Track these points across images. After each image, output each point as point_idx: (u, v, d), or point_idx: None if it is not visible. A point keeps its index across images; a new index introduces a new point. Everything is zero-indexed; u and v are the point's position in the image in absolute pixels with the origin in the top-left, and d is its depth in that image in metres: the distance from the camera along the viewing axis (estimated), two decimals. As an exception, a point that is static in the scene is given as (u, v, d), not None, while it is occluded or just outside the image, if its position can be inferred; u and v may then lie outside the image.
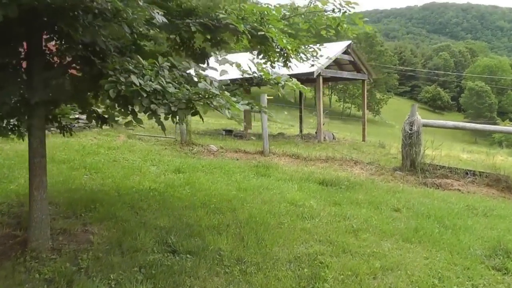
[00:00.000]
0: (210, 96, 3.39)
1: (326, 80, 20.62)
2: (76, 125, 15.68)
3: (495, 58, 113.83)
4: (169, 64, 3.79)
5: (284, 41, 4.71)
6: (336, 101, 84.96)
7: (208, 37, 5.01)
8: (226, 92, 3.41)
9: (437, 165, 9.46)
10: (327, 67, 19.05)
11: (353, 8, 5.54)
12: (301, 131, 21.44)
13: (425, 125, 9.36)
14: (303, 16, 5.99)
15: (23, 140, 5.03)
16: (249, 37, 4.59)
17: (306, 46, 5.54)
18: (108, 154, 10.58)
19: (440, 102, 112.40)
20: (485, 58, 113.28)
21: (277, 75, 4.20)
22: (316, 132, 18.10)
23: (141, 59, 3.58)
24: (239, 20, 4.52)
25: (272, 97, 11.31)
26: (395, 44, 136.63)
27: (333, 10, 5.61)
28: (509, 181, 8.73)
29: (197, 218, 5.68)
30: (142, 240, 4.71)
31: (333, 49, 17.28)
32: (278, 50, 4.92)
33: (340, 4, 5.50)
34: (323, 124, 17.89)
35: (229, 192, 7.28)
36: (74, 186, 7.14)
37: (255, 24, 4.68)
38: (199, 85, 3.37)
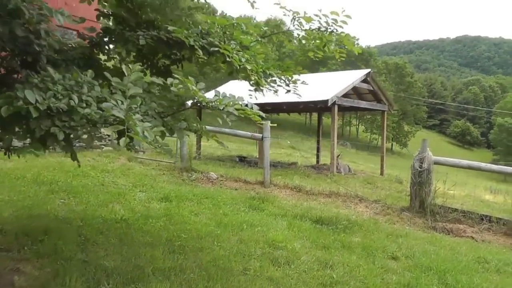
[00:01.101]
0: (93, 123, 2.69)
1: (343, 109, 19.86)
2: (77, 144, 15.33)
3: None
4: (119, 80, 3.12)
5: (243, 60, 3.99)
6: (363, 131, 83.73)
7: (168, 52, 4.39)
8: (135, 115, 2.68)
9: (449, 208, 8.51)
10: (345, 96, 18.30)
11: (341, 27, 4.83)
12: (317, 161, 20.59)
13: (436, 163, 8.47)
14: (287, 35, 5.28)
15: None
16: (200, 53, 3.90)
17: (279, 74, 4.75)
18: (98, 177, 10.08)
19: (470, 138, 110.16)
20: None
21: (230, 99, 3.45)
22: (337, 163, 17.24)
23: (52, 71, 2.92)
24: (190, 34, 3.86)
25: (276, 125, 10.61)
26: (425, 76, 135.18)
27: (318, 29, 4.90)
28: (531, 232, 7.74)
29: (151, 259, 4.94)
30: (71, 285, 3.99)
31: (351, 77, 16.58)
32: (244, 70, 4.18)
33: (327, 22, 4.81)
34: (338, 155, 17.02)
35: (205, 228, 6.56)
36: (40, 212, 6.55)
37: (212, 39, 4.01)
38: (103, 105, 2.67)
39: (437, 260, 5.96)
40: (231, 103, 3.34)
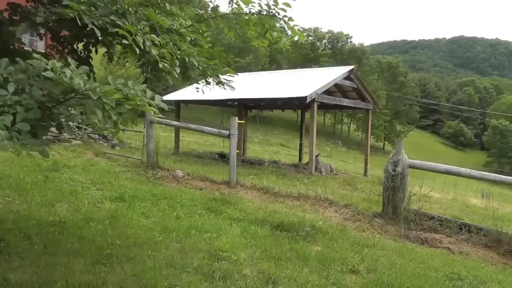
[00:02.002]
0: None
1: (326, 106, 19.20)
2: (44, 137, 14.58)
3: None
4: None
5: (147, 43, 3.26)
6: (354, 130, 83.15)
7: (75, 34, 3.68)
8: None
9: (426, 215, 7.83)
10: (328, 93, 17.64)
11: (284, 11, 4.11)
12: (299, 160, 19.90)
13: (411, 167, 7.76)
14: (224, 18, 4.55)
15: None
16: (98, 34, 3.17)
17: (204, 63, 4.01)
18: (55, 173, 9.37)
19: (463, 139, 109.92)
20: (511, 96, 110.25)
21: (111, 87, 2.72)
22: (317, 163, 16.59)
23: None
24: (85, 11, 3.14)
25: (243, 122, 9.95)
26: (419, 75, 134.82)
27: (259, 13, 4.18)
28: (514, 244, 7.04)
29: (68, 271, 4.25)
30: None
31: (332, 74, 15.90)
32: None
33: (268, 5, 4.09)
34: (318, 155, 16.35)
35: (148, 233, 5.88)
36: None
37: (114, 18, 3.28)
38: None
39: (403, 275, 5.28)
40: (118, 92, 2.61)
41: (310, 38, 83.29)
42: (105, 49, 4.24)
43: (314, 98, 14.00)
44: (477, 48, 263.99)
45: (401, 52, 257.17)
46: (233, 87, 4.50)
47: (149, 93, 3.00)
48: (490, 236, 7.28)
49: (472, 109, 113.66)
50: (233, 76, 4.41)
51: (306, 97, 13.58)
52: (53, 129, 14.37)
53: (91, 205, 7.26)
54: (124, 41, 3.24)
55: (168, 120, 11.52)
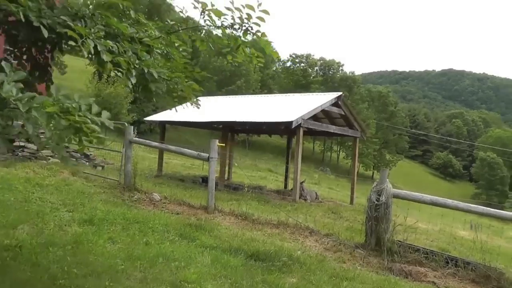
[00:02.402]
0: None
1: (314, 133, 18.91)
2: (20, 153, 14.09)
3: (508, 130, 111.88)
4: None
5: (99, 48, 2.92)
6: (343, 158, 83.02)
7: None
8: None
9: (410, 247, 7.43)
10: (316, 119, 17.36)
11: (258, 25, 3.80)
12: (285, 186, 19.51)
13: (396, 196, 7.41)
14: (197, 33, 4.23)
15: None
16: (45, 34, 2.82)
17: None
18: (25, 192, 9.00)
19: (452, 170, 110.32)
20: (498, 129, 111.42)
21: (43, 99, 2.34)
22: (302, 189, 16.21)
23: None
24: (33, 8, 2.79)
25: (224, 145, 9.59)
26: (409, 106, 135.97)
27: (232, 26, 3.86)
28: (502, 280, 6.64)
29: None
30: None
31: (320, 100, 15.64)
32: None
33: (241, 18, 3.77)
34: (303, 181, 15.97)
35: (111, 260, 5.43)
36: None
37: (65, 18, 2.93)
38: None
39: (382, 313, 4.87)
40: (55, 104, 2.23)
41: (302, 64, 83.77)
42: (99, 69, 3.90)
43: (300, 123, 13.69)
44: (465, 81, 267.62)
45: (392, 82, 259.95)
46: (199, 105, 4.13)
47: (95, 108, 2.63)
48: (478, 271, 6.90)
49: (460, 141, 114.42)
50: (199, 93, 4.02)
51: (292, 122, 13.27)
52: (30, 145, 13.69)
53: (56, 228, 6.82)
54: (71, 43, 2.88)
55: (147, 141, 11.14)
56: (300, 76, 78.98)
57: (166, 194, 10.56)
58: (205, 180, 17.95)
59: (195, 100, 4.39)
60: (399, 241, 7.55)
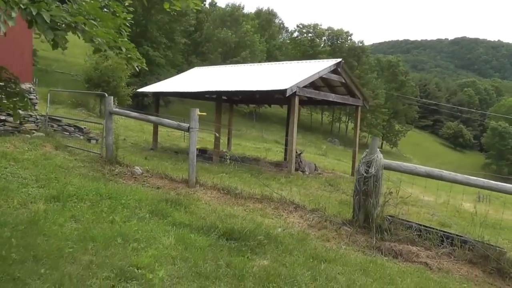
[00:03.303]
0: None
1: (311, 102, 18.15)
2: (2, 128, 13.52)
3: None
4: None
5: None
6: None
7: None
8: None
9: (403, 223, 6.78)
10: (315, 87, 16.60)
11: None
12: (285, 158, 18.87)
13: (387, 168, 6.72)
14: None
15: None
16: None
17: None
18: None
19: (462, 140, 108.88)
20: (511, 98, 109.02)
21: None
22: (299, 161, 15.57)
23: None
24: None
25: (205, 114, 8.92)
26: (420, 76, 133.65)
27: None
28: (503, 261, 5.98)
29: None
30: None
31: (317, 67, 14.82)
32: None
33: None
34: (300, 153, 15.31)
35: (60, 243, 4.88)
36: None
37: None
38: None
39: (361, 301, 4.27)
40: None
41: (310, 35, 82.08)
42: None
43: (295, 91, 12.92)
44: (479, 49, 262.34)
45: (403, 52, 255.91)
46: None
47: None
48: (475, 251, 6.23)
49: (472, 110, 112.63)
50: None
51: (286, 89, 12.50)
52: (12, 119, 13.01)
53: (18, 206, 6.31)
54: None
55: (127, 111, 10.51)
56: (308, 46, 77.39)
57: (149, 167, 9.97)
58: (202, 151, 17.42)
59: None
60: (390, 216, 6.91)
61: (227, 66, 21.17)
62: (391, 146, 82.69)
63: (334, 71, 15.08)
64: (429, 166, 7.36)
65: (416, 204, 12.93)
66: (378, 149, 6.71)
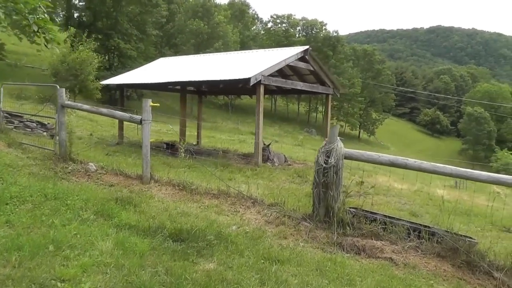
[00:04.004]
0: None
1: (279, 91, 17.66)
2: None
3: (496, 84, 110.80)
4: None
5: None
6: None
7: None
8: None
9: (367, 216, 6.36)
10: (284, 77, 16.12)
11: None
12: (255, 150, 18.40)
13: (348, 158, 6.29)
14: None
15: None
16: None
17: None
18: None
19: (439, 126, 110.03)
20: (486, 84, 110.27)
21: None
22: (268, 152, 15.13)
23: None
24: None
25: (158, 104, 8.38)
26: (396, 64, 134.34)
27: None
28: (472, 253, 5.58)
29: None
30: None
31: (283, 54, 14.32)
32: None
33: None
34: (269, 144, 14.87)
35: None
36: None
37: None
38: None
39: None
40: None
41: (284, 25, 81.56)
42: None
43: (260, 80, 12.42)
44: (454, 37, 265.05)
45: (379, 42, 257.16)
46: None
47: None
48: (444, 243, 5.83)
49: (448, 96, 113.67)
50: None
51: (249, 78, 11.99)
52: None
53: None
54: None
55: (79, 104, 9.91)
56: (282, 37, 76.88)
57: (104, 164, 9.40)
58: (169, 146, 16.84)
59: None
60: (354, 208, 6.50)
61: (193, 56, 20.53)
62: (369, 134, 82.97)
63: (302, 58, 14.62)
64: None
65: (388, 193, 12.61)
66: (338, 138, 6.26)
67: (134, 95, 47.67)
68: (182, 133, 15.62)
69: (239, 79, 12.16)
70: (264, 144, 14.68)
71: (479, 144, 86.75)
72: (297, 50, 14.80)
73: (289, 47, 17.00)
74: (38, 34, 3.30)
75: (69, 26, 34.84)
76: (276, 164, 14.24)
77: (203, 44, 60.63)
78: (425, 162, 6.07)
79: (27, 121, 16.91)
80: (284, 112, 77.96)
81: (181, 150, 8.03)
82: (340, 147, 6.16)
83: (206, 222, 6.01)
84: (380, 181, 15.34)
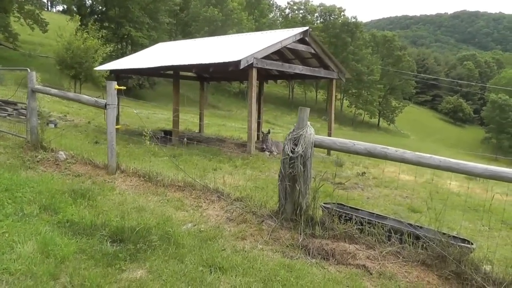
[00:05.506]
0: None
1: (280, 76, 16.84)
2: None
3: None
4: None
5: None
6: (347, 106, 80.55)
7: None
8: None
9: (344, 213, 5.59)
10: (286, 60, 15.30)
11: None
12: (258, 137, 17.69)
13: (318, 146, 5.53)
14: None
15: None
16: None
17: None
18: None
19: (462, 114, 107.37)
20: (511, 70, 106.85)
21: None
22: (262, 141, 14.42)
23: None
24: None
25: (124, 88, 7.73)
26: (418, 51, 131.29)
27: None
28: (463, 264, 4.67)
29: None
30: None
31: (280, 36, 13.48)
32: None
33: None
34: (268, 132, 14.15)
35: None
36: None
37: None
38: None
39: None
40: None
41: (301, 11, 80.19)
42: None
43: (252, 63, 11.64)
44: (479, 22, 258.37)
45: (402, 28, 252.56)
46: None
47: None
48: (430, 249, 4.96)
49: (471, 83, 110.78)
50: None
51: (239, 61, 11.21)
52: None
53: None
54: None
55: (47, 89, 9.31)
56: (299, 23, 75.56)
57: (74, 152, 8.80)
58: (167, 133, 16.25)
59: None
60: (326, 204, 5.75)
61: (191, 40, 19.83)
62: (388, 123, 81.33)
63: (302, 40, 13.78)
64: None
65: (390, 185, 11.75)
66: (308, 123, 5.48)
67: (146, 83, 47.22)
68: (176, 122, 14.96)
69: (228, 62, 11.38)
70: (263, 133, 13.96)
71: (503, 133, 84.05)
72: (296, 31, 13.94)
73: (288, 29, 16.13)
74: None
75: (74, 14, 34.41)
76: (275, 154, 13.54)
77: (217, 31, 59.75)
78: (408, 151, 5.21)
79: (21, 108, 16.47)
80: (302, 100, 76.83)
81: (147, 138, 7.34)
82: (310, 133, 5.38)
83: (159, 219, 5.36)
84: (386, 172, 14.48)
